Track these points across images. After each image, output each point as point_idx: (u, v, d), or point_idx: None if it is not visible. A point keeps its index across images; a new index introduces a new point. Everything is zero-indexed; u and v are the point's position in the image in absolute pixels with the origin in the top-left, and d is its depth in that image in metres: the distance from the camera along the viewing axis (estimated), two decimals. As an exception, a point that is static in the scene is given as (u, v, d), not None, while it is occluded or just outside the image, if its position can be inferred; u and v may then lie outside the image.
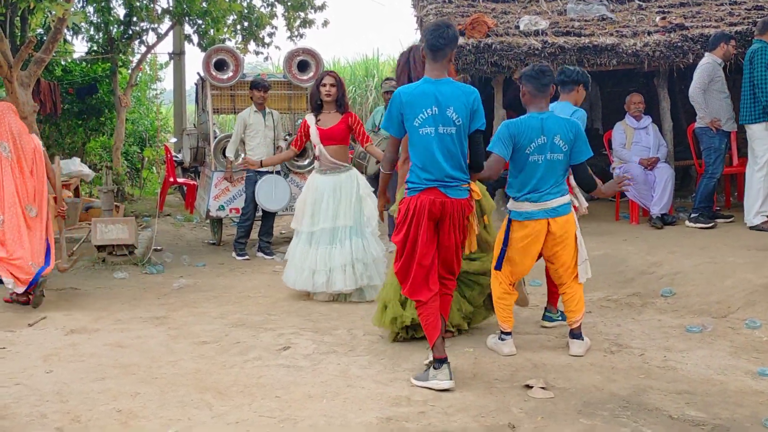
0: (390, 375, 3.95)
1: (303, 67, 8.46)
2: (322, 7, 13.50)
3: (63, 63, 13.89)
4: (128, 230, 7.20)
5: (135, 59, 14.08)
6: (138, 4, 12.33)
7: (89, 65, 13.87)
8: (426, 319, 3.82)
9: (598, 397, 3.59)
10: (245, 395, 3.67)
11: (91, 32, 13.31)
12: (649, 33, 8.01)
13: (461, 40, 7.62)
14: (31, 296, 5.50)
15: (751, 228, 6.84)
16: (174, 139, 14.91)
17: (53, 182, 5.99)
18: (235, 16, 12.90)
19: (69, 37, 13.47)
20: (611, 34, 8.03)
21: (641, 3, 9.23)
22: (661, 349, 4.35)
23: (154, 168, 15.78)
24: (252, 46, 13.60)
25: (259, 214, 7.87)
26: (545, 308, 4.94)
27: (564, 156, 4.18)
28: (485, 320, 4.77)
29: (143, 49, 13.77)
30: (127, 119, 13.96)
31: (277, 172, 7.62)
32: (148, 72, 16.71)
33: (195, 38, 13.18)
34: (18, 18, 11.52)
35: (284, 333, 4.81)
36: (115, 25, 12.95)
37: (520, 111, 4.49)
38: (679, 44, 7.77)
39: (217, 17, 12.02)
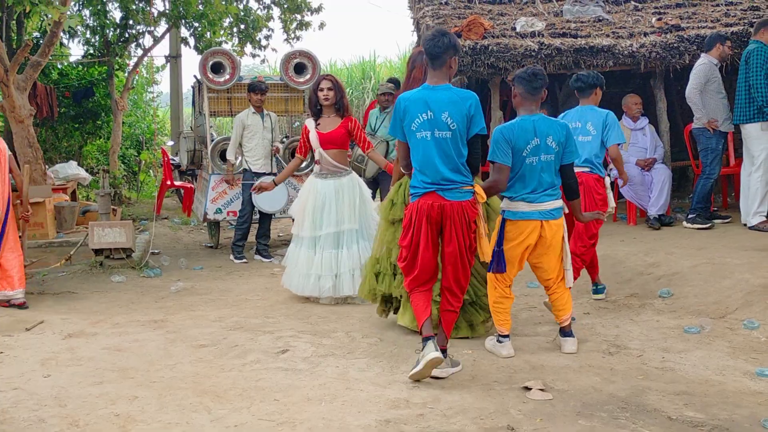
0: (388, 377, 3.95)
1: (300, 69, 8.47)
2: (318, 10, 13.51)
3: (59, 66, 13.87)
4: (125, 234, 7.20)
5: (131, 62, 14.08)
6: (134, 7, 12.34)
7: (86, 68, 13.86)
8: (415, 304, 3.97)
9: (597, 399, 3.59)
10: (243, 398, 3.67)
11: (88, 35, 13.32)
12: (646, 34, 8.03)
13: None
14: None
15: (750, 228, 6.86)
16: (171, 142, 14.92)
17: (19, 185, 6.03)
18: (232, 19, 12.90)
19: (65, 41, 13.47)
20: (607, 36, 8.04)
21: (637, 4, 9.25)
22: (659, 350, 4.36)
23: (151, 171, 15.76)
24: (249, 48, 13.63)
25: (256, 216, 7.87)
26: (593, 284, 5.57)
27: (555, 157, 4.23)
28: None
29: (140, 52, 13.77)
30: (123, 122, 13.95)
31: (274, 175, 7.62)
32: (145, 75, 16.70)
33: (191, 41, 13.18)
34: (14, 21, 11.52)
35: (282, 336, 4.80)
36: (112, 29, 12.95)
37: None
38: (675, 45, 7.79)
39: (214, 20, 12.02)
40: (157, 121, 17.23)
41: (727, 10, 8.63)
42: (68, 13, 7.85)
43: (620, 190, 7.53)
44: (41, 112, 12.14)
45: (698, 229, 7.14)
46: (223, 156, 8.09)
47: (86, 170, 12.08)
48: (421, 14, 9.03)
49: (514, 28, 8.19)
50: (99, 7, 12.35)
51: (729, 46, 7.28)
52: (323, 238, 5.72)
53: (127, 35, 13.07)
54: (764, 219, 6.82)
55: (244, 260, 7.73)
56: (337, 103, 5.79)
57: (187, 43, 13.36)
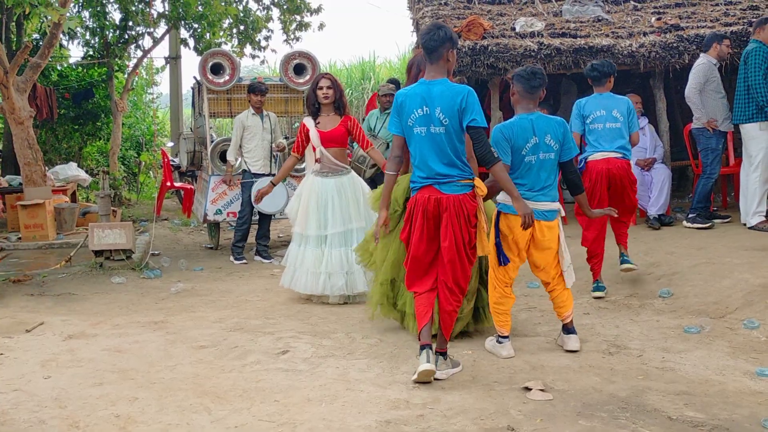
0: (389, 378, 3.95)
1: (299, 70, 8.47)
2: (317, 10, 13.51)
3: (59, 68, 13.88)
4: (125, 235, 7.20)
5: (131, 63, 14.09)
6: (134, 8, 12.35)
7: (85, 70, 13.88)
8: (418, 308, 3.98)
9: (597, 399, 3.59)
10: (244, 399, 3.67)
11: (87, 37, 13.33)
12: (645, 34, 8.03)
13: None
14: None
15: (749, 228, 6.86)
16: (171, 144, 14.93)
17: None
18: (231, 20, 12.91)
19: (65, 42, 13.49)
20: (607, 36, 8.05)
21: (636, 4, 9.25)
22: (659, 349, 4.36)
23: (151, 172, 15.77)
24: (248, 49, 13.64)
25: (256, 217, 7.87)
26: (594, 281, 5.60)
27: (555, 155, 4.24)
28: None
29: (139, 53, 13.79)
30: (123, 124, 13.96)
31: (273, 176, 7.61)
32: (145, 76, 16.71)
33: (191, 42, 13.19)
34: (13, 23, 11.53)
35: (283, 337, 4.80)
36: (111, 30, 12.96)
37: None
38: (674, 45, 7.79)
39: (213, 21, 12.03)
40: (157, 123, 17.23)
41: (727, 9, 8.63)
42: (68, 14, 7.86)
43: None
44: (41, 114, 12.15)
45: (698, 228, 7.14)
46: (223, 157, 8.10)
47: (86, 172, 12.09)
48: (421, 15, 9.03)
49: (513, 29, 8.20)
50: (98, 9, 12.37)
51: (727, 45, 7.29)
52: (331, 237, 5.72)
53: (126, 36, 13.08)
54: (764, 219, 6.82)
55: (244, 261, 7.73)
56: (336, 101, 5.79)
57: (186, 45, 13.37)
